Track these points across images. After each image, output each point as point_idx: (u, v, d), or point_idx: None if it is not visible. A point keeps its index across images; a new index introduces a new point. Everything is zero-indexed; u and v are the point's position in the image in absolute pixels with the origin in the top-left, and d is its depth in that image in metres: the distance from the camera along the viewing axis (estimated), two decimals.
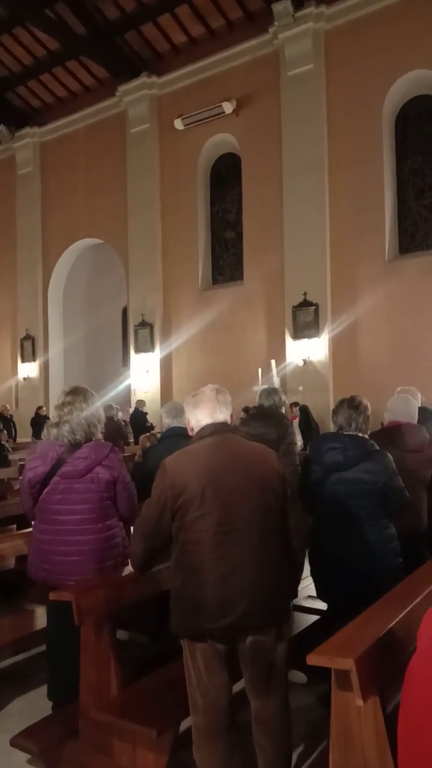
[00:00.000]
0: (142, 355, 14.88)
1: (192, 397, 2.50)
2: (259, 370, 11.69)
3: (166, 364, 14.64)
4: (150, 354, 14.77)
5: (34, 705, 3.32)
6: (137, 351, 14.99)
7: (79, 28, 13.82)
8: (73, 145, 16.19)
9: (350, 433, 3.14)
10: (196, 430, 2.46)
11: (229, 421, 2.46)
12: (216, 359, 13.41)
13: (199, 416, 2.45)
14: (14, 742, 2.80)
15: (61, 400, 3.17)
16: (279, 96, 12.73)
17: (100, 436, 3.19)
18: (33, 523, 3.22)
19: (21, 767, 2.82)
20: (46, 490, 3.07)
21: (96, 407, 3.21)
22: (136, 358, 15.05)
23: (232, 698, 2.33)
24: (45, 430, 3.19)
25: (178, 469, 2.33)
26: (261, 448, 2.47)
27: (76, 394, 3.17)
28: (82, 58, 14.89)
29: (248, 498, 2.29)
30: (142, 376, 14.87)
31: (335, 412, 3.24)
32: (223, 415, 2.44)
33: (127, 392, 14.90)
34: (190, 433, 2.51)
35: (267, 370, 11.74)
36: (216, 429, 2.41)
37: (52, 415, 3.19)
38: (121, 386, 14.75)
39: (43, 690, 3.36)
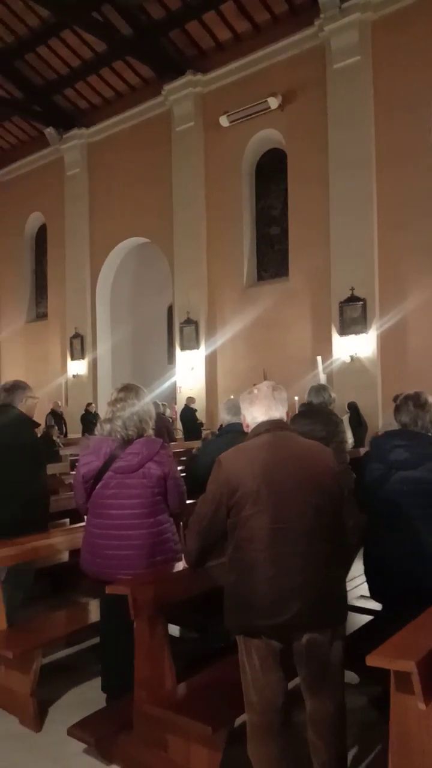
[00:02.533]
0: (188, 352, 14.96)
1: (248, 393, 2.50)
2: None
3: (211, 362, 14.67)
4: (195, 351, 14.83)
5: (87, 697, 3.38)
6: (182, 348, 15.08)
7: (125, 29, 13.96)
8: (119, 146, 16.38)
9: (416, 430, 3.07)
10: (251, 427, 2.45)
11: (285, 419, 2.45)
12: (261, 356, 13.34)
13: (255, 413, 2.44)
14: (71, 732, 2.86)
15: (113, 396, 3.21)
16: (325, 89, 12.55)
17: (151, 432, 3.22)
18: (86, 517, 3.28)
19: (76, 757, 2.87)
20: (99, 485, 3.11)
21: (147, 404, 3.25)
22: (181, 356, 15.14)
23: (287, 696, 2.32)
24: (98, 426, 3.23)
25: (234, 465, 2.33)
26: (317, 446, 2.44)
27: (129, 390, 3.21)
28: (127, 59, 15.03)
29: (302, 496, 2.27)
30: (188, 374, 14.94)
31: (398, 409, 3.16)
32: (278, 413, 2.43)
33: (173, 389, 15.01)
34: (245, 430, 2.50)
35: (314, 365, 11.62)
36: (271, 426, 2.39)
37: (105, 411, 3.23)
38: (167, 383, 14.87)
39: (96, 682, 3.42)
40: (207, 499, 2.39)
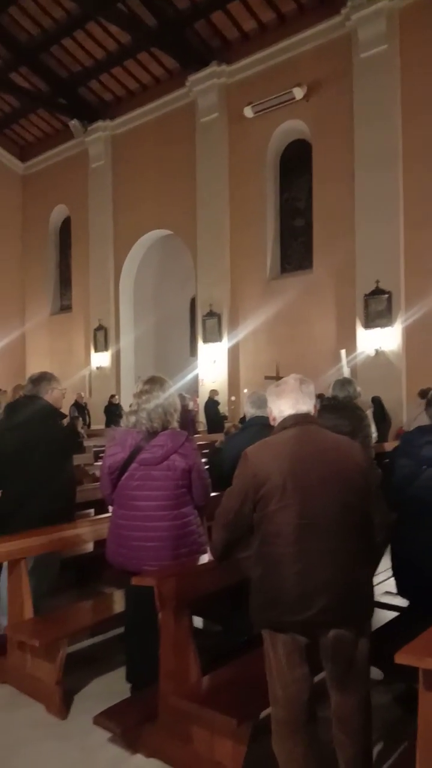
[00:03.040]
0: (210, 345, 14.95)
1: (275, 386, 2.47)
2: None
3: (233, 354, 14.64)
4: (218, 344, 14.81)
5: (112, 687, 3.41)
6: (205, 341, 15.07)
7: (149, 20, 13.91)
8: (143, 138, 16.37)
9: None
10: (278, 420, 2.42)
11: (312, 412, 2.42)
12: (283, 349, 13.29)
13: (282, 406, 2.41)
14: (97, 721, 2.89)
15: (139, 388, 3.22)
16: (351, 80, 12.38)
17: (176, 424, 3.23)
18: (112, 508, 3.30)
19: (102, 746, 2.90)
20: (124, 477, 3.13)
21: (172, 396, 3.25)
22: (203, 348, 15.14)
23: (312, 692, 2.31)
24: (124, 418, 3.25)
25: (260, 459, 2.31)
26: (345, 440, 2.42)
27: (154, 383, 3.21)
28: (152, 50, 14.99)
29: (328, 492, 2.24)
30: (210, 366, 14.94)
31: (430, 404, 3.12)
32: (306, 406, 2.40)
33: (195, 382, 15.02)
34: (272, 423, 2.48)
35: (338, 359, 11.51)
36: (299, 420, 2.37)
37: (131, 402, 3.24)
38: (189, 376, 14.88)
39: (120, 672, 3.45)
40: (233, 492, 2.37)
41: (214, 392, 13.55)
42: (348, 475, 2.30)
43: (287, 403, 2.40)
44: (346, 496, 2.26)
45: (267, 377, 12.56)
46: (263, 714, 2.48)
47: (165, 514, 3.07)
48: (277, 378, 11.86)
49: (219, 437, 9.25)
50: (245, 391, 13.78)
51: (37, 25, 15.35)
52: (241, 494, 2.33)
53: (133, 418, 3.17)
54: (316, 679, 2.35)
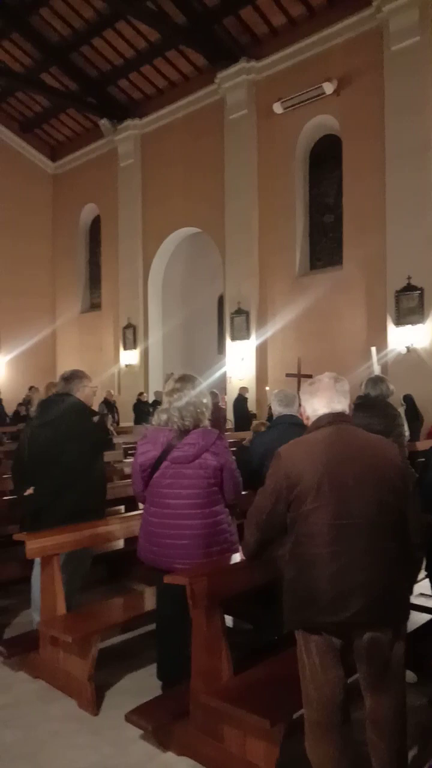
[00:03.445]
0: (238, 342, 14.92)
1: (309, 385, 2.44)
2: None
3: (261, 352, 14.59)
4: (246, 341, 14.78)
5: (143, 683, 3.43)
6: (233, 338, 15.04)
7: (178, 18, 13.91)
8: (171, 135, 16.40)
9: None
10: (312, 419, 2.39)
11: (347, 411, 2.38)
12: (312, 347, 13.18)
13: (316, 405, 2.38)
14: (129, 718, 2.90)
15: (170, 386, 3.22)
16: (382, 73, 12.19)
17: (207, 422, 3.22)
18: (143, 506, 3.31)
19: (134, 742, 2.91)
20: (156, 474, 3.14)
21: (204, 394, 3.25)
22: (231, 346, 15.12)
23: (347, 694, 2.28)
24: (155, 416, 3.25)
25: (294, 458, 2.28)
26: (380, 440, 2.37)
27: (186, 380, 3.21)
28: (181, 48, 14.99)
29: (365, 492, 2.21)
30: (238, 364, 14.91)
31: None
32: (341, 405, 2.36)
33: (223, 379, 15.01)
34: (305, 422, 2.45)
35: (368, 357, 11.37)
36: (333, 419, 2.33)
37: (161, 400, 3.24)
38: (217, 373, 14.87)
39: (150, 669, 3.47)
40: (266, 492, 2.35)
41: (243, 389, 13.53)
42: (384, 474, 2.26)
43: (321, 402, 2.37)
44: (382, 496, 2.22)
45: (288, 375, 12.51)
46: (296, 714, 2.45)
47: (197, 512, 3.06)
48: (299, 375, 11.80)
49: (247, 435, 9.21)
50: (266, 388, 13.73)
51: (68, 25, 15.48)
52: (274, 493, 2.30)
53: (164, 416, 3.17)
54: (350, 680, 2.32)
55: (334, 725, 2.25)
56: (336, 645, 2.24)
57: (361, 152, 12.75)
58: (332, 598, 2.16)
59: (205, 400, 3.23)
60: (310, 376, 15.27)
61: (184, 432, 3.12)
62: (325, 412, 2.36)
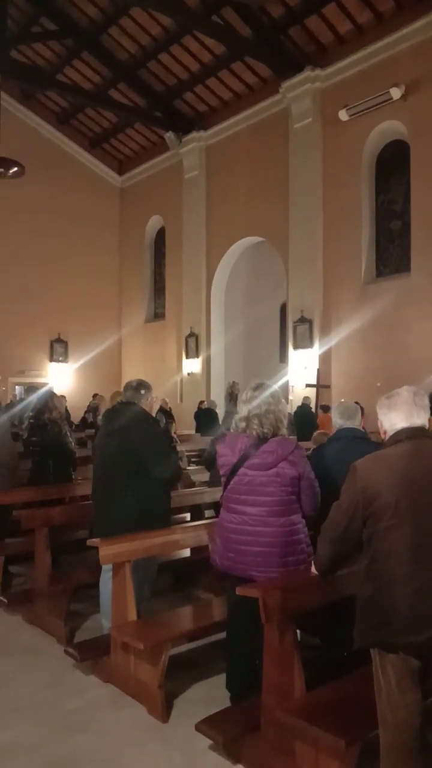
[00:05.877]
0: (300, 351, 14.79)
1: (386, 398, 2.39)
2: None
3: (324, 361, 14.41)
4: (308, 350, 14.63)
5: (211, 693, 3.43)
6: (295, 347, 14.93)
7: (244, 30, 14.02)
8: (236, 146, 16.51)
9: None
10: (390, 434, 2.34)
11: (426, 426, 2.32)
12: (379, 357, 12.91)
13: (394, 419, 2.33)
14: (199, 728, 2.91)
15: (248, 395, 3.24)
16: None
17: (285, 431, 3.23)
18: (220, 511, 3.33)
19: (204, 753, 2.92)
20: (233, 481, 3.16)
21: (282, 403, 3.26)
22: (294, 355, 15.00)
23: (425, 717, 2.21)
24: (233, 424, 3.27)
25: (371, 474, 2.24)
26: None
27: (264, 389, 3.24)
28: (246, 59, 15.10)
29: None
30: (300, 373, 14.78)
31: None
32: (420, 419, 2.30)
33: (285, 388, 14.91)
34: (382, 436, 2.40)
35: None
36: (412, 434, 2.28)
37: (240, 408, 3.26)
38: (279, 382, 14.77)
39: (219, 679, 3.46)
40: (341, 507, 2.32)
41: (307, 399, 13.39)
42: None
43: (400, 416, 2.32)
44: None
45: (308, 385, 12.33)
46: (371, 734, 2.40)
47: (273, 520, 3.06)
48: (318, 386, 11.48)
49: (309, 445, 9.11)
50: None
51: (136, 43, 15.89)
52: (350, 509, 2.27)
53: (243, 424, 3.19)
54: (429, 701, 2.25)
55: (410, 750, 2.18)
56: (414, 666, 2.18)
57: (430, 157, 12.45)
58: (411, 619, 2.11)
59: (283, 409, 3.23)
60: (328, 387, 14.97)
61: (262, 440, 3.13)
62: (404, 426, 2.30)
